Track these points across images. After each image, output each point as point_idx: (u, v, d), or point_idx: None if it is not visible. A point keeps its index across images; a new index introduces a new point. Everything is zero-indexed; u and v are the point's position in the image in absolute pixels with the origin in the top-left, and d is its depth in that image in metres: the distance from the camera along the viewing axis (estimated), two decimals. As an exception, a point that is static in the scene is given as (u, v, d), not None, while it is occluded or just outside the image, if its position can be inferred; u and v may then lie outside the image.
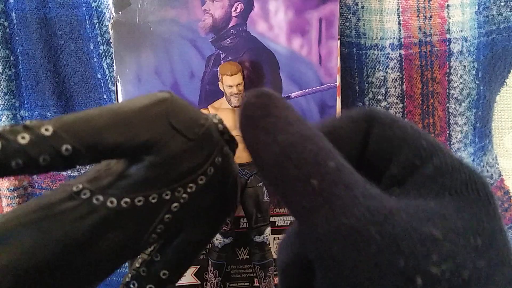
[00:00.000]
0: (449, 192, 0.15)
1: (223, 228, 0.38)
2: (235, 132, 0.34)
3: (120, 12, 0.37)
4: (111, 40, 0.38)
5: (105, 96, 0.44)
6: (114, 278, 0.48)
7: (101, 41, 0.42)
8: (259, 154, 0.15)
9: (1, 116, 0.46)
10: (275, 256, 0.40)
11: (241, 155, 0.38)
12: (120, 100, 0.38)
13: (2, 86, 0.45)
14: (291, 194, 0.15)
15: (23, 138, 0.16)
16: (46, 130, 0.17)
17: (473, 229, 0.14)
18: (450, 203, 0.15)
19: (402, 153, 0.17)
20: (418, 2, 0.41)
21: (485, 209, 0.15)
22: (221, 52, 0.38)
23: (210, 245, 0.38)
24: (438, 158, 0.16)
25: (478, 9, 0.42)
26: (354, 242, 0.13)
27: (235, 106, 0.37)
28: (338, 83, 0.39)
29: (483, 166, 0.49)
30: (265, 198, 0.38)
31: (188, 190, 0.19)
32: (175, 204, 0.19)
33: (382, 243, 0.13)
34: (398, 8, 0.41)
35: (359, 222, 0.14)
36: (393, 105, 0.43)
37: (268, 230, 0.38)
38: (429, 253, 0.13)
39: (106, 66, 0.43)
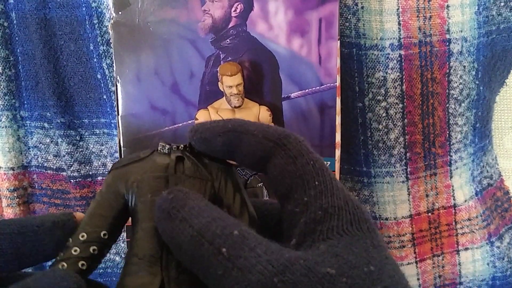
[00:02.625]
0: (337, 231, 0.17)
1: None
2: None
3: (120, 13, 0.37)
4: (111, 41, 0.38)
5: (104, 97, 0.44)
6: (114, 279, 0.48)
7: (101, 41, 0.42)
8: (176, 240, 0.18)
9: (1, 116, 0.46)
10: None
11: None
12: (120, 100, 0.38)
13: (2, 86, 0.45)
14: (207, 266, 0.17)
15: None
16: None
17: (364, 259, 0.17)
18: (340, 242, 0.17)
19: (297, 188, 0.19)
20: (418, 3, 0.41)
21: (370, 241, 0.17)
22: (221, 52, 0.38)
23: None
24: (326, 198, 0.18)
25: (478, 9, 0.42)
26: None
27: (235, 107, 0.37)
28: (338, 83, 0.39)
29: (483, 166, 0.49)
30: (264, 199, 0.38)
31: None
32: None
33: None
34: (398, 9, 0.41)
35: (263, 276, 0.16)
36: (393, 105, 0.43)
37: (268, 230, 0.38)
38: None
39: (106, 67, 0.43)
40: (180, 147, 0.23)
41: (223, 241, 0.17)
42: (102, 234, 0.21)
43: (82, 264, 0.21)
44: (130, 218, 0.23)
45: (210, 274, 0.17)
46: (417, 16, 0.41)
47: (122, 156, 0.38)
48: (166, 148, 0.23)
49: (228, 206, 0.23)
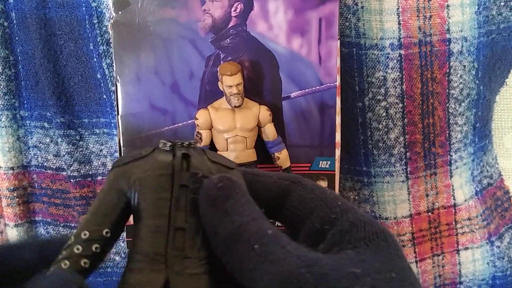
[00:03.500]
0: (364, 242, 0.19)
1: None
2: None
3: (120, 12, 0.37)
4: (110, 40, 0.38)
5: (104, 96, 0.44)
6: (115, 278, 0.48)
7: (101, 41, 0.42)
8: (216, 230, 0.20)
9: (1, 116, 0.46)
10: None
11: (241, 155, 0.38)
12: (119, 100, 0.38)
13: (2, 86, 0.45)
14: (239, 259, 0.18)
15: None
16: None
17: (388, 267, 0.18)
18: (366, 251, 0.18)
19: (322, 210, 0.21)
20: (418, 2, 0.41)
21: (395, 252, 0.19)
22: (220, 52, 0.38)
23: None
24: (352, 214, 0.20)
25: (478, 9, 0.42)
26: (291, 283, 0.17)
27: (235, 106, 0.37)
28: (338, 83, 0.39)
29: (483, 166, 0.49)
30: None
31: None
32: None
33: (314, 281, 0.16)
34: (398, 8, 0.41)
35: (292, 267, 0.17)
36: (393, 105, 0.43)
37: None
38: (353, 284, 0.17)
39: (106, 66, 0.43)
40: (185, 144, 0.23)
41: (257, 239, 0.18)
42: (104, 232, 0.21)
43: (85, 263, 0.21)
44: (131, 217, 0.23)
45: (241, 267, 0.18)
46: (417, 16, 0.41)
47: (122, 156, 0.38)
48: (168, 145, 0.23)
49: None
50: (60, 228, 0.49)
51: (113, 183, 0.23)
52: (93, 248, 0.21)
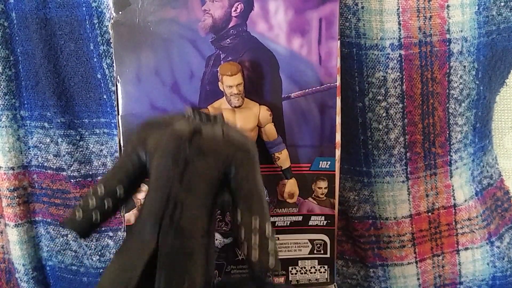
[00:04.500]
0: None
1: (223, 228, 0.38)
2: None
3: (120, 12, 0.37)
4: (111, 40, 0.38)
5: (105, 96, 0.44)
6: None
7: (101, 41, 0.42)
8: None
9: (1, 116, 0.46)
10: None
11: (241, 155, 0.38)
12: (120, 100, 0.38)
13: (2, 86, 0.45)
14: None
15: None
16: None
17: None
18: None
19: None
20: (418, 2, 0.41)
21: None
22: (221, 52, 0.38)
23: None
24: None
25: (478, 9, 0.42)
26: None
27: (235, 106, 0.37)
28: (338, 83, 0.39)
29: (483, 166, 0.49)
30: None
31: None
32: None
33: None
34: (398, 9, 0.41)
35: None
36: (393, 105, 0.43)
37: (268, 230, 0.38)
38: None
39: (106, 66, 0.43)
40: (203, 117, 0.24)
41: None
42: (118, 189, 0.22)
43: (96, 216, 0.22)
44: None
45: None
46: (417, 16, 0.41)
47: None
48: (189, 113, 0.24)
49: (243, 196, 0.24)
50: (60, 228, 0.49)
51: (134, 146, 0.24)
52: (106, 203, 0.22)
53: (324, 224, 0.41)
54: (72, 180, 0.46)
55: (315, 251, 0.42)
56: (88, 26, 0.42)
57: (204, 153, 0.23)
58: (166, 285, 0.21)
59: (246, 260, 0.24)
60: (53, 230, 0.49)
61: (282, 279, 0.42)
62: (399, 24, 0.41)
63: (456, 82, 0.43)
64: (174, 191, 0.22)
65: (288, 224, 0.41)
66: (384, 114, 0.43)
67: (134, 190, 0.24)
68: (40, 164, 0.48)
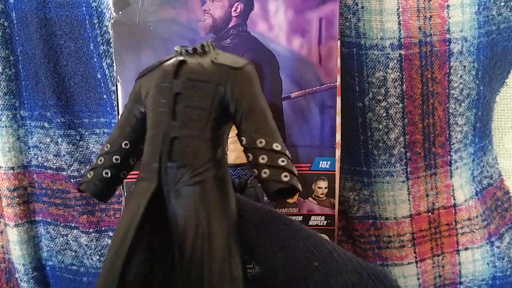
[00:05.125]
0: None
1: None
2: (235, 132, 0.34)
3: (120, 12, 0.37)
4: (111, 40, 0.38)
5: (105, 96, 0.44)
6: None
7: (101, 41, 0.42)
8: None
9: (1, 116, 0.46)
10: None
11: (241, 155, 0.38)
12: (120, 100, 0.38)
13: (2, 86, 0.45)
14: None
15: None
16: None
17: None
18: None
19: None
20: (418, 2, 0.41)
21: None
22: (221, 52, 0.38)
23: None
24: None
25: (478, 9, 0.42)
26: None
27: (235, 106, 0.37)
28: (338, 83, 0.39)
29: (483, 166, 0.49)
30: (265, 199, 0.38)
31: None
32: None
33: None
34: (398, 8, 0.41)
35: None
36: (393, 105, 0.43)
37: (268, 230, 0.38)
38: None
39: (106, 66, 0.43)
40: (189, 50, 0.23)
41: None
42: (123, 144, 0.23)
43: (106, 173, 0.23)
44: None
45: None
46: (417, 16, 0.41)
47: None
48: (177, 50, 0.24)
49: (239, 117, 0.23)
50: (60, 228, 0.49)
51: (131, 99, 0.24)
52: (113, 159, 0.22)
53: (324, 224, 0.41)
54: (72, 180, 0.46)
55: (315, 251, 0.42)
56: (88, 26, 0.42)
57: (193, 83, 0.22)
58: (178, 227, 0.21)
59: (260, 183, 0.22)
60: (53, 230, 0.49)
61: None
62: (399, 24, 0.41)
63: (456, 82, 0.43)
64: (169, 128, 0.22)
65: (288, 224, 0.41)
66: (384, 114, 0.43)
67: (140, 141, 0.23)
68: (40, 164, 0.48)
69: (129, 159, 0.24)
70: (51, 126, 0.46)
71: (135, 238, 0.20)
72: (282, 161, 0.22)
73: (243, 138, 0.23)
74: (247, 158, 0.22)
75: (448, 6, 0.41)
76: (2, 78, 0.45)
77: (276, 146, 0.22)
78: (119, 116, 0.24)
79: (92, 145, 0.46)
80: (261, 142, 0.22)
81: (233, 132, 0.37)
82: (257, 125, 0.22)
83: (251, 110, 0.22)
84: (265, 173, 0.21)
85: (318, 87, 0.39)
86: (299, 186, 0.22)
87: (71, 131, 0.45)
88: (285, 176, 0.21)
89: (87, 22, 0.42)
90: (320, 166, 0.40)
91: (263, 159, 0.21)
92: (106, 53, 0.43)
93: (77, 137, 0.46)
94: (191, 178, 0.21)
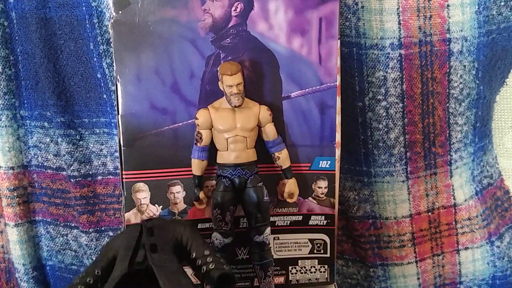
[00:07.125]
0: None
1: (223, 228, 0.38)
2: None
3: (120, 12, 0.37)
4: (111, 40, 0.38)
5: (105, 96, 0.44)
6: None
7: (101, 41, 0.42)
8: None
9: (1, 116, 0.46)
10: (275, 256, 0.40)
11: (241, 155, 0.38)
12: (120, 99, 0.38)
13: (2, 86, 0.45)
14: None
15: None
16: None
17: None
18: None
19: None
20: (418, 2, 0.41)
21: None
22: (221, 51, 0.38)
23: (210, 245, 0.38)
24: None
25: (478, 9, 0.42)
26: None
27: (235, 106, 0.37)
28: (338, 83, 0.39)
29: (483, 166, 0.49)
30: (265, 198, 0.38)
31: None
32: None
33: None
34: (398, 8, 0.41)
35: None
36: (393, 105, 0.43)
37: (268, 230, 0.38)
38: None
39: (106, 66, 0.43)
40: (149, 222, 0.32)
41: None
42: (96, 272, 0.30)
43: None
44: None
45: None
46: (417, 16, 0.41)
47: (122, 156, 0.38)
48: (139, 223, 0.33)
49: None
50: (60, 228, 0.49)
51: (106, 250, 0.32)
52: (87, 280, 0.30)
53: (324, 223, 0.41)
54: (72, 180, 0.46)
55: (315, 251, 0.42)
56: (88, 25, 0.42)
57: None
58: None
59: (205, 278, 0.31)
60: (53, 229, 0.49)
61: (282, 279, 0.42)
62: (399, 23, 0.41)
63: (456, 82, 0.43)
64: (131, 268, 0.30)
65: (288, 224, 0.41)
66: (384, 114, 0.43)
67: (109, 274, 0.30)
68: (40, 164, 0.48)
69: (98, 283, 0.30)
70: (51, 126, 0.46)
71: None
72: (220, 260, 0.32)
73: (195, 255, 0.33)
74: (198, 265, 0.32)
75: (448, 5, 0.41)
76: (2, 77, 0.45)
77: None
78: (95, 258, 0.32)
79: (92, 145, 0.46)
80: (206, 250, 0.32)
81: (233, 131, 0.37)
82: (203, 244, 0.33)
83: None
84: (212, 267, 0.31)
85: (318, 87, 0.39)
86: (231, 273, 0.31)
87: (71, 130, 0.45)
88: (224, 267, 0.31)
89: (87, 22, 0.42)
90: (320, 166, 0.40)
91: (209, 259, 0.31)
92: (106, 53, 0.43)
93: (77, 136, 0.46)
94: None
